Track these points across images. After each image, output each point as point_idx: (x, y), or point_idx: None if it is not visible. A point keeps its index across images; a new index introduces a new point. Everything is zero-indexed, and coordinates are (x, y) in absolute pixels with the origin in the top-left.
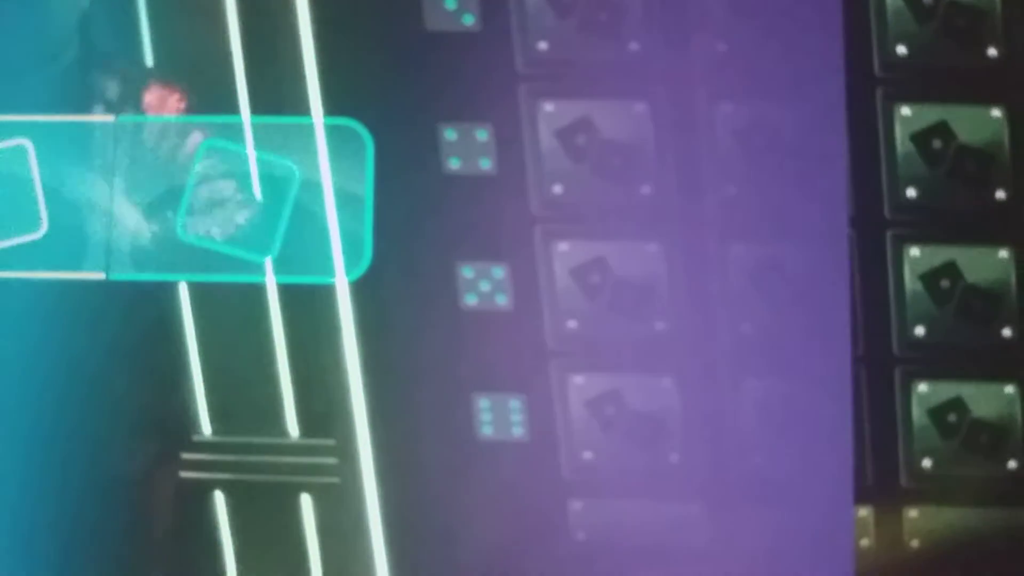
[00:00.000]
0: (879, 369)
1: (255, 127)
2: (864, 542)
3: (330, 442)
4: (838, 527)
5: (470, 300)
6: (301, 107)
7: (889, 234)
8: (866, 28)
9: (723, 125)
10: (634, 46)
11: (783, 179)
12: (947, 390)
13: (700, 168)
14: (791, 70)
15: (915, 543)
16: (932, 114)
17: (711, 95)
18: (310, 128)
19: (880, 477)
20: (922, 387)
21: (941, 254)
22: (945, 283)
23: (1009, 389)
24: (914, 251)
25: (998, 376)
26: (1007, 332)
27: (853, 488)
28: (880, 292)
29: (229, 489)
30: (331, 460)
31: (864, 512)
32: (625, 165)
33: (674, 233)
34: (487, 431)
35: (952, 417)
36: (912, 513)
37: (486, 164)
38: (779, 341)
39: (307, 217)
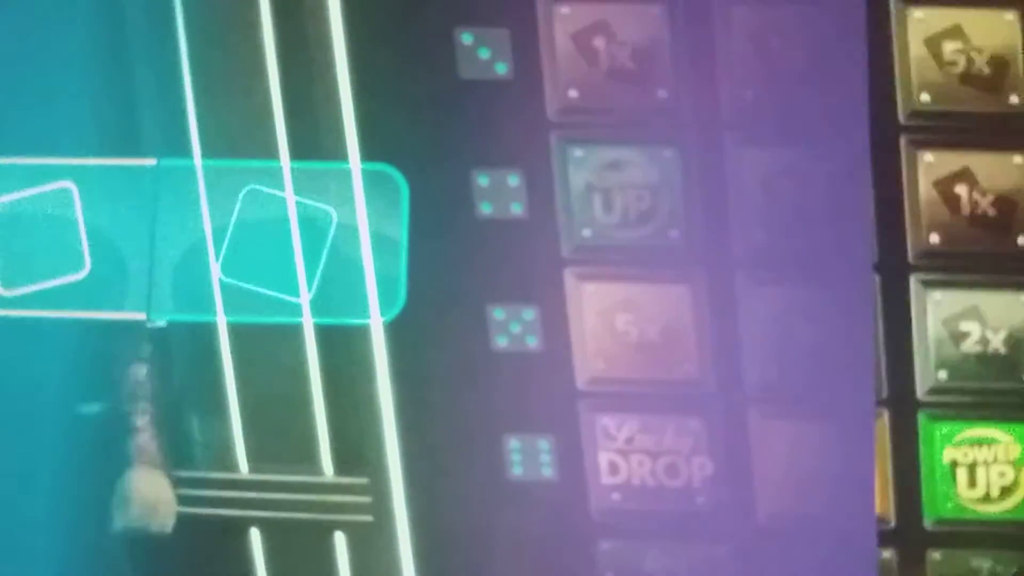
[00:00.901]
0: (901, 404)
1: (294, 172)
2: None
3: (363, 480)
4: (862, 570)
5: (501, 342)
6: (339, 153)
7: (913, 279)
8: (890, 76)
9: (749, 170)
10: (662, 94)
11: (809, 223)
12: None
13: (727, 214)
14: (816, 117)
15: None
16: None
17: (737, 141)
18: (347, 173)
19: (903, 518)
20: (944, 429)
21: (964, 299)
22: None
23: None
24: (937, 295)
25: None
26: None
27: (877, 531)
28: (903, 335)
29: (264, 526)
30: (364, 498)
31: (888, 554)
32: (654, 209)
33: (698, 278)
34: (517, 471)
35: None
36: (936, 556)
37: (517, 209)
38: (805, 381)
39: (343, 260)
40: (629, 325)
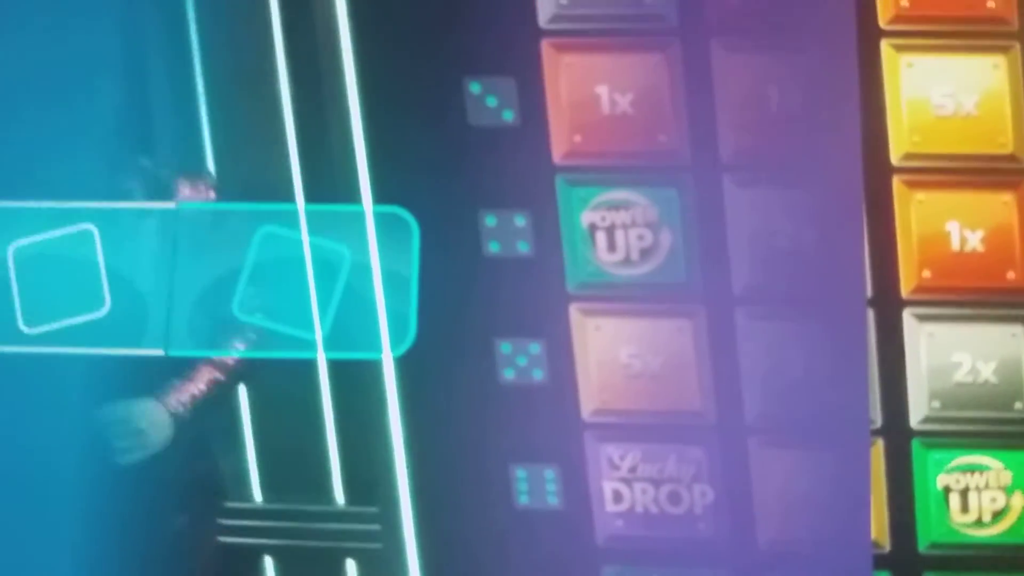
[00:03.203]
0: (896, 433)
1: (309, 215)
2: None
3: (374, 510)
4: None
5: (508, 375)
6: (352, 196)
7: (906, 314)
8: (882, 120)
9: (747, 210)
10: (663, 138)
11: (805, 260)
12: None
13: (727, 252)
14: (811, 159)
15: None
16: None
17: (734, 182)
18: (360, 215)
19: (897, 542)
20: (937, 456)
21: (956, 332)
22: None
23: None
24: (929, 328)
25: None
26: None
27: (872, 556)
28: (897, 367)
29: (277, 554)
30: (375, 527)
31: None
32: (655, 247)
33: (698, 313)
34: (524, 500)
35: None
36: None
37: (524, 247)
38: (803, 412)
39: (356, 297)
40: (632, 358)
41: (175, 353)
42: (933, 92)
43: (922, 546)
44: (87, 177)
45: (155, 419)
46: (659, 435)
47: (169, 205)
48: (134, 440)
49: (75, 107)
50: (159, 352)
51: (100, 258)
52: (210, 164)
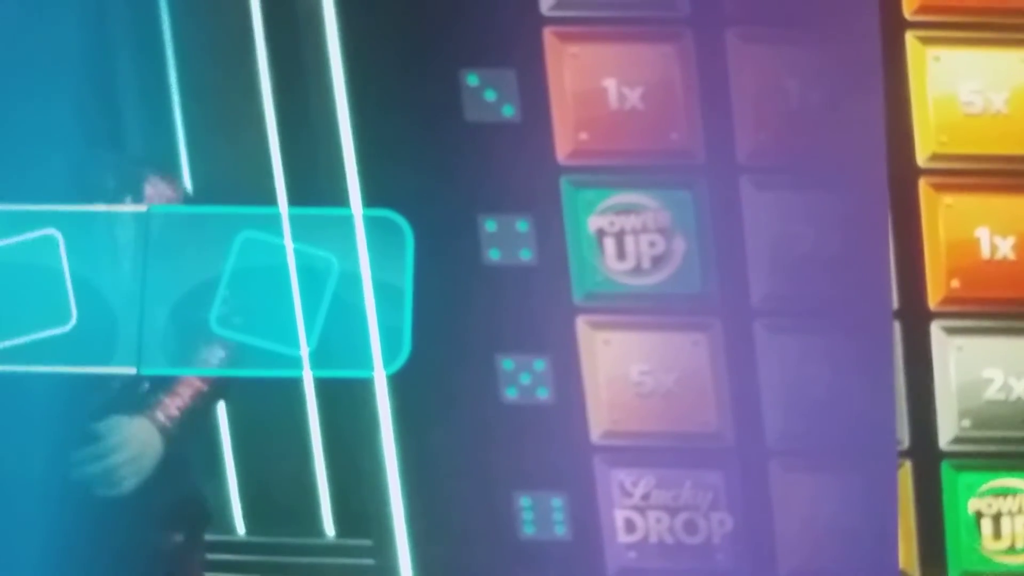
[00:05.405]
0: (924, 454)
1: (293, 219)
2: None
3: (367, 542)
4: None
5: (510, 394)
6: (340, 198)
7: (934, 326)
8: (908, 117)
9: (766, 214)
10: (675, 136)
11: (828, 269)
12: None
13: (744, 260)
14: (834, 159)
15: None
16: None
17: (752, 185)
18: (349, 220)
19: (926, 571)
20: (968, 479)
21: (987, 346)
22: None
23: None
24: (959, 342)
25: None
26: None
27: None
28: (925, 384)
29: None
30: (368, 561)
31: None
32: (668, 254)
33: (715, 326)
34: (529, 530)
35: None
36: None
37: (527, 255)
38: (827, 433)
39: (345, 310)
40: (644, 375)
41: (147, 371)
42: (961, 88)
43: (953, 575)
44: (50, 178)
45: (147, 440)
46: (674, 459)
47: (140, 208)
48: (128, 468)
49: (36, 102)
50: (130, 370)
51: (65, 267)
52: (184, 163)
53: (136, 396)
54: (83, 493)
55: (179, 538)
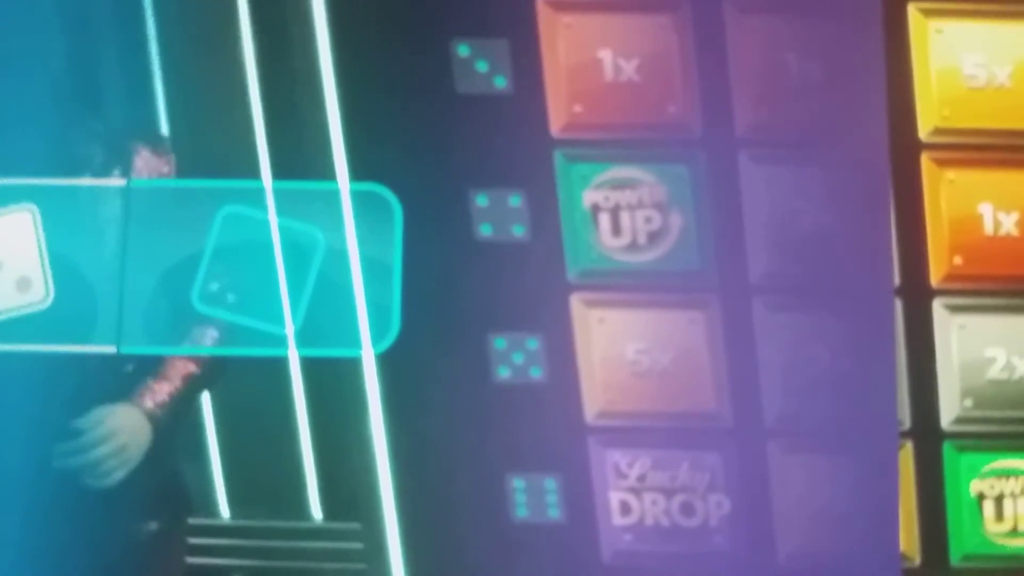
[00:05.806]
0: (925, 435)
1: (277, 193)
2: None
3: (355, 526)
4: None
5: (503, 373)
6: (326, 172)
7: (936, 304)
8: (910, 91)
9: (764, 189)
10: (672, 108)
11: (828, 245)
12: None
13: (742, 236)
14: (834, 133)
15: None
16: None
17: (751, 159)
18: (336, 194)
19: (928, 554)
20: (970, 460)
21: (989, 324)
22: None
23: None
24: (961, 320)
25: None
26: None
27: (901, 569)
28: (927, 363)
29: None
30: (356, 545)
31: None
32: (665, 230)
33: (712, 304)
34: (522, 513)
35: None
36: None
37: (519, 231)
38: (826, 412)
39: (332, 287)
40: (640, 354)
41: (128, 350)
42: (964, 61)
43: (954, 558)
44: (25, 151)
45: (136, 429)
46: (670, 440)
47: (119, 182)
48: (116, 460)
49: (10, 70)
50: (110, 349)
51: (41, 242)
52: (165, 134)
53: (121, 380)
54: (67, 482)
55: (160, 524)
